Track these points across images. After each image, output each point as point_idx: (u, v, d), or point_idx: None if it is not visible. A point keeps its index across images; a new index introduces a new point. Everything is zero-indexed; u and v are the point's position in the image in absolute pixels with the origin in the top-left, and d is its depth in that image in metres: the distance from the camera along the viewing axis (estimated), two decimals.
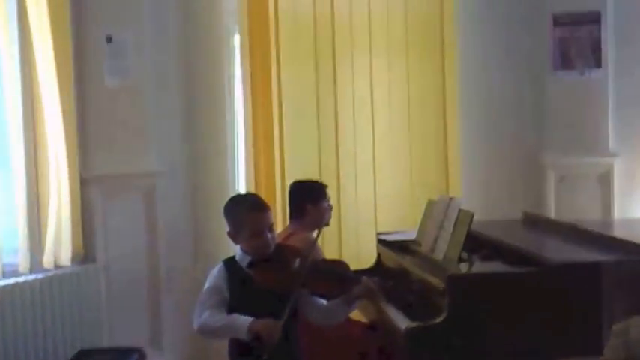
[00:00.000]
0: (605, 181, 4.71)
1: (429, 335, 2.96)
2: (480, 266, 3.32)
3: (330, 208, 3.95)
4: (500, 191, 4.87)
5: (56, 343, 4.00)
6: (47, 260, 4.08)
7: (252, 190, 4.70)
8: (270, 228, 2.96)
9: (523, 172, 4.91)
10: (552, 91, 4.83)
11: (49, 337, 3.97)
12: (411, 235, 3.86)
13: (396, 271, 3.71)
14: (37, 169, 4.08)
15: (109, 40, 4.33)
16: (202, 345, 4.32)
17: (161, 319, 4.50)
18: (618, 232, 3.79)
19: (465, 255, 3.37)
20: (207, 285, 2.95)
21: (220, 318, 2.83)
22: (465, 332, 2.94)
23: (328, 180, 4.40)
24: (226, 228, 3.00)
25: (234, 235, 2.98)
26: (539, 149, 4.86)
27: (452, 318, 2.94)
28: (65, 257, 4.13)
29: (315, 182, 4.05)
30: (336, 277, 3.05)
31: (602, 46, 4.68)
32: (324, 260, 3.62)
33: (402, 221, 4.70)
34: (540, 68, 4.85)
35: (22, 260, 3.98)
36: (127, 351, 3.97)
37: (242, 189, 4.79)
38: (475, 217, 3.31)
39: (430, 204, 3.81)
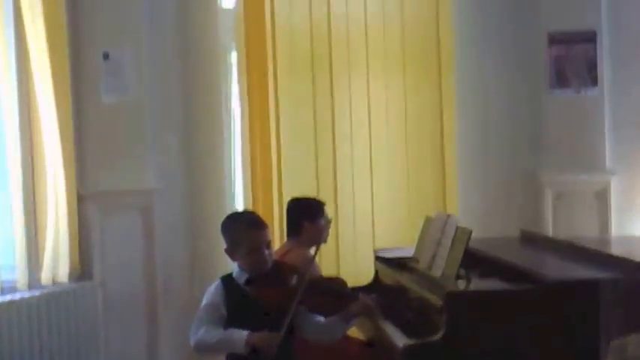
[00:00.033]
0: (602, 198, 4.73)
1: (427, 353, 2.95)
2: (477, 284, 3.31)
3: (329, 224, 3.95)
4: (497, 208, 4.88)
5: (54, 359, 3.98)
6: (45, 277, 4.07)
7: (250, 207, 4.71)
8: (268, 245, 2.96)
9: (520, 189, 4.92)
10: (549, 109, 4.85)
11: (46, 353, 3.95)
12: (409, 252, 3.85)
13: (393, 288, 3.71)
14: (34, 185, 4.09)
15: (106, 57, 4.35)
16: None
17: (158, 336, 4.48)
18: (616, 250, 3.79)
19: (462, 272, 3.37)
20: (204, 302, 2.94)
21: (217, 333, 2.83)
22: (463, 350, 2.93)
23: (326, 197, 4.41)
24: (224, 245, 3.00)
25: (231, 253, 2.97)
26: (537, 167, 4.87)
27: (450, 335, 2.93)
28: (63, 274, 4.13)
29: (313, 199, 4.05)
30: (333, 294, 3.04)
31: (598, 65, 4.72)
32: (322, 278, 3.61)
33: (400, 238, 4.70)
34: (537, 86, 4.87)
35: (20, 277, 3.97)
36: None
37: (240, 206, 4.79)
38: (473, 234, 3.31)
39: (428, 221, 3.81)
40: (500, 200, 4.90)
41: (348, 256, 4.90)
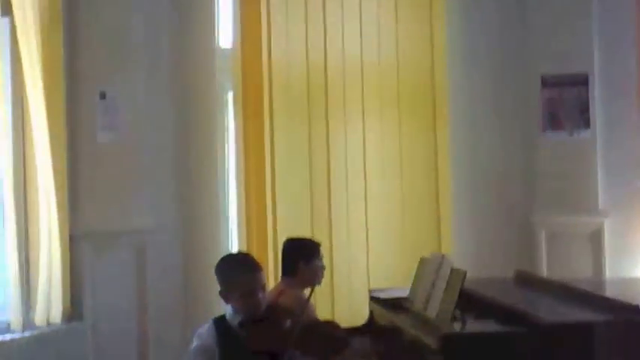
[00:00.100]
0: (596, 240, 4.74)
1: None
2: (473, 325, 3.29)
3: (323, 268, 3.93)
4: (491, 249, 4.88)
5: None
6: (39, 318, 4.04)
7: (244, 246, 4.69)
8: (262, 288, 2.94)
9: (514, 230, 4.93)
10: (542, 151, 4.89)
11: None
12: (404, 292, 3.84)
13: (388, 329, 3.68)
14: (27, 225, 4.07)
15: (103, 96, 4.36)
16: None
17: None
18: (610, 292, 3.80)
19: (457, 313, 3.35)
20: (194, 344, 2.91)
21: None
22: None
23: (320, 236, 4.41)
24: (218, 287, 2.98)
25: (225, 295, 2.96)
26: (530, 208, 4.89)
27: None
28: (56, 314, 4.10)
29: (309, 240, 4.04)
30: (327, 338, 3.02)
31: (591, 107, 4.77)
32: (317, 321, 3.58)
33: (395, 278, 4.68)
34: (530, 128, 4.92)
35: (13, 318, 3.94)
36: None
37: (234, 246, 4.77)
38: (467, 275, 3.30)
39: (422, 261, 3.80)
40: (494, 240, 4.91)
41: (343, 296, 4.88)
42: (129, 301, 4.39)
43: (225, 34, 4.91)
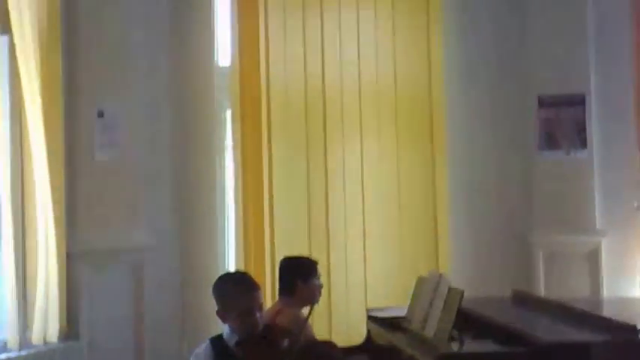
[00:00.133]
0: (593, 259, 4.74)
1: None
2: (470, 345, 3.28)
3: (321, 286, 3.92)
4: (489, 268, 4.88)
5: None
6: (36, 337, 4.02)
7: (242, 265, 4.68)
8: (260, 307, 2.94)
9: (512, 249, 4.94)
10: (539, 171, 4.90)
11: None
12: (402, 311, 3.83)
13: (386, 348, 3.67)
14: (24, 244, 4.06)
15: (101, 114, 4.37)
16: None
17: None
18: (608, 312, 3.79)
19: (455, 333, 3.34)
20: None
21: None
22: None
23: (318, 255, 4.39)
24: (215, 306, 2.97)
25: (222, 314, 2.95)
26: (528, 227, 4.90)
27: None
28: (53, 333, 4.08)
29: (306, 258, 4.03)
30: (325, 358, 3.01)
31: (587, 127, 4.79)
32: (314, 341, 3.58)
33: (392, 297, 4.67)
34: (527, 148, 4.94)
35: (10, 337, 3.93)
36: None
37: (232, 265, 4.76)
38: (465, 294, 3.30)
39: (420, 280, 3.79)
40: (491, 260, 4.91)
41: (341, 314, 4.87)
42: (126, 319, 4.38)
43: (224, 52, 4.93)
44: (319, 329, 4.44)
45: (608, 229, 4.77)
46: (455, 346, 3.26)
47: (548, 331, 3.43)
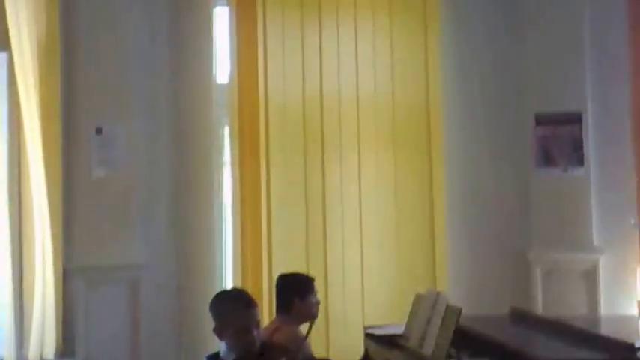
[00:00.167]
0: (590, 276, 4.74)
1: None
2: None
3: (318, 302, 3.92)
4: (486, 285, 4.87)
5: None
6: (32, 354, 4.00)
7: (239, 282, 4.67)
8: (257, 325, 2.92)
9: (509, 266, 4.93)
10: (536, 188, 4.91)
11: None
12: (399, 329, 3.82)
13: None
14: (22, 260, 4.06)
15: (99, 132, 4.38)
16: None
17: None
18: (605, 330, 3.79)
19: (453, 351, 3.34)
20: None
21: None
22: None
23: (316, 272, 4.39)
24: (212, 323, 2.97)
25: (219, 332, 2.94)
26: (525, 244, 4.90)
27: None
28: (49, 350, 4.06)
29: (303, 275, 4.02)
30: None
31: (584, 145, 4.80)
32: (311, 358, 3.57)
33: (390, 314, 4.66)
34: (524, 166, 4.95)
35: (7, 353, 3.92)
36: None
37: (229, 281, 4.76)
38: (463, 311, 3.30)
39: (418, 298, 3.79)
40: (489, 277, 4.91)
41: (338, 332, 4.85)
42: (122, 336, 4.37)
43: (222, 69, 4.95)
44: (317, 346, 4.43)
45: (605, 247, 4.77)
46: None
47: (546, 349, 3.42)
